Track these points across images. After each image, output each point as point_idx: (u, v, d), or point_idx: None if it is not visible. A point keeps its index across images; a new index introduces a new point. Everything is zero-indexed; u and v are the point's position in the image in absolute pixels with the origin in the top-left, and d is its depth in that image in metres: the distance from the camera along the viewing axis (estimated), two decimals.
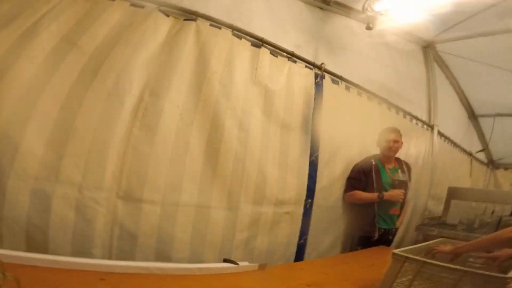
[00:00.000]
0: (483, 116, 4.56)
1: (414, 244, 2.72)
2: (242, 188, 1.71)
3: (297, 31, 2.11)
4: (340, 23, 2.41)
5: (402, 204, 2.30)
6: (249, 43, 1.79)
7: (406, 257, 1.16)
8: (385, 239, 2.23)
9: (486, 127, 4.69)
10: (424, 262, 1.14)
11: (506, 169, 5.20)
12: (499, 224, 2.39)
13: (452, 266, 1.13)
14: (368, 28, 2.21)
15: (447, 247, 1.31)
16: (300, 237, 1.98)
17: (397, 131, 2.28)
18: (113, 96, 1.38)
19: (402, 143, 2.28)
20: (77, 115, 1.30)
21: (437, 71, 3.65)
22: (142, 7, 1.48)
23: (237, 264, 1.36)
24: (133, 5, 1.47)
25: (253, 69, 1.78)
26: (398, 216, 2.29)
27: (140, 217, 1.43)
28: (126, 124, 1.40)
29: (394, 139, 2.22)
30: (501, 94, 3.96)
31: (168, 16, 1.55)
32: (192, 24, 1.59)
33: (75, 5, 1.35)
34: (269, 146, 1.84)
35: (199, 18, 1.61)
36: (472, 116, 4.57)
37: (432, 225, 2.74)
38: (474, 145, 4.71)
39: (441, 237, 1.95)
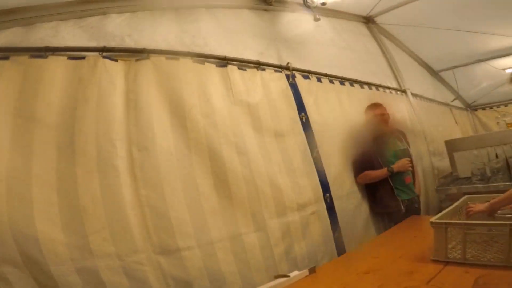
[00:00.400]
0: (442, 70, 4.82)
1: (440, 205, 2.75)
2: (262, 206, 1.68)
3: (254, 39, 2.13)
4: (289, 20, 2.47)
5: (413, 171, 2.29)
6: (214, 65, 1.76)
7: (447, 224, 1.19)
8: (412, 208, 2.21)
9: (449, 79, 4.96)
10: (465, 224, 1.17)
11: (483, 109, 5.45)
12: (508, 166, 2.44)
13: (499, 222, 1.18)
14: (316, 19, 2.30)
15: (482, 205, 1.33)
16: (334, 231, 1.94)
17: (379, 105, 2.32)
18: (102, 165, 1.31)
19: (388, 113, 2.30)
20: (77, 194, 1.25)
21: (387, 41, 3.86)
22: (83, 58, 1.38)
23: (288, 276, 1.33)
24: (71, 58, 1.36)
25: (228, 89, 1.75)
26: (413, 183, 2.28)
27: (185, 264, 1.40)
28: (130, 188, 1.35)
29: (380, 112, 2.25)
30: (449, 49, 4.23)
31: (116, 61, 1.45)
32: (147, 63, 1.51)
33: (6, 72, 1.23)
34: (272, 158, 1.82)
35: (151, 54, 1.52)
36: (433, 72, 4.82)
37: (448, 183, 2.75)
38: (447, 97, 4.93)
39: (463, 194, 1.92)
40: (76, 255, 1.20)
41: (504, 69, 4.54)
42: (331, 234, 1.93)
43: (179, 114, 1.54)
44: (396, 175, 2.15)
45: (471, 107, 5.57)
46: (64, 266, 1.17)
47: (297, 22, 2.49)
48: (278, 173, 1.81)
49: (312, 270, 1.37)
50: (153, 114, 1.47)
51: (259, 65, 1.97)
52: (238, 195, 1.62)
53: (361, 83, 2.83)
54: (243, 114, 1.78)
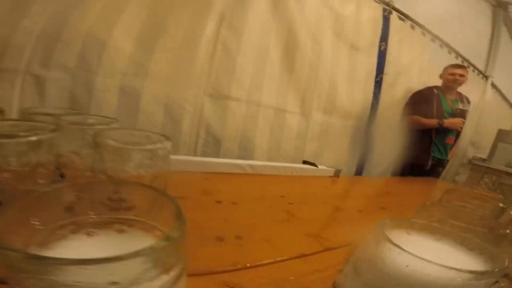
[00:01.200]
0: None
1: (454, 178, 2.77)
2: (315, 95, 1.69)
3: None
4: None
5: (457, 135, 2.22)
6: None
7: (487, 168, 1.14)
8: (436, 170, 2.18)
9: None
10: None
11: None
12: None
13: None
14: None
15: None
16: (362, 155, 1.99)
17: (464, 67, 2.18)
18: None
19: (466, 78, 2.17)
20: (167, 16, 1.22)
21: (503, 30, 3.42)
22: None
23: (317, 166, 1.32)
24: None
25: None
26: (451, 147, 2.22)
27: (226, 116, 1.39)
28: (215, 24, 1.35)
29: (461, 73, 2.13)
30: None
31: None
32: None
33: None
34: (339, 61, 1.81)
35: None
36: None
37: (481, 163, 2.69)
38: None
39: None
40: (131, 70, 1.15)
41: None
42: (357, 156, 1.99)
43: None
44: (441, 132, 2.09)
45: None
46: (112, 79, 1.12)
47: None
48: (341, 75, 1.80)
49: (337, 173, 1.33)
50: None
51: None
52: (298, 74, 1.62)
53: (452, 50, 2.61)
54: (329, 17, 1.76)
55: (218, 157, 1.40)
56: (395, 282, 0.22)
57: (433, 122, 2.08)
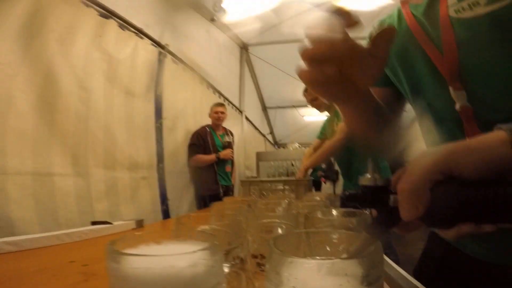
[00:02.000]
0: (269, 108, 5.98)
1: None
2: (89, 150, 1.48)
3: (147, 12, 2.07)
4: (187, 14, 2.58)
5: (232, 163, 2.64)
6: (97, 13, 1.60)
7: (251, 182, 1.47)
8: (229, 195, 2.49)
9: (271, 116, 6.19)
10: None
11: (284, 147, 7.03)
12: (287, 171, 3.31)
13: None
14: (212, 20, 2.52)
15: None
16: (162, 203, 1.94)
17: (223, 105, 2.63)
18: None
19: (226, 114, 2.63)
20: None
21: (246, 69, 4.45)
22: None
23: (110, 223, 1.12)
24: None
25: (97, 36, 1.60)
26: (231, 173, 2.62)
27: None
28: None
29: (221, 110, 2.55)
30: (281, 91, 5.34)
31: None
32: None
33: None
34: (114, 109, 1.68)
35: None
36: (264, 108, 5.90)
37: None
38: (266, 130, 6.10)
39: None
40: None
41: (303, 116, 6.10)
42: (160, 205, 1.92)
43: (30, 30, 1.26)
44: (220, 163, 2.42)
45: (278, 144, 7.10)
46: None
47: (192, 19, 2.65)
48: (117, 124, 1.67)
49: (140, 224, 1.20)
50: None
51: (139, 32, 1.92)
52: (63, 128, 1.36)
53: (215, 90, 3.12)
54: (102, 61, 1.63)
55: None
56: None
57: (212, 157, 2.39)
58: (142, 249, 0.26)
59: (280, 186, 1.98)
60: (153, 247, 0.27)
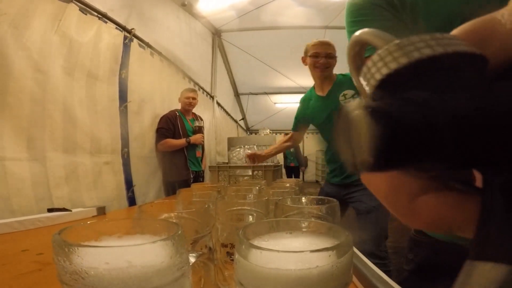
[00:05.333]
0: (242, 94, 5.93)
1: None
2: (46, 133, 1.38)
3: None
4: None
5: (203, 148, 2.59)
6: None
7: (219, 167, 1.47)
8: (198, 181, 2.45)
9: (244, 102, 6.15)
10: None
11: (256, 133, 7.06)
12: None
13: None
14: (183, 4, 2.39)
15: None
16: (128, 189, 1.85)
17: (195, 91, 2.55)
18: None
19: (197, 100, 2.56)
20: None
21: (219, 55, 4.36)
22: None
23: (69, 210, 1.06)
24: None
25: (56, 20, 1.49)
26: (201, 159, 2.57)
27: None
28: None
29: (193, 96, 2.48)
30: (253, 78, 5.30)
31: None
32: None
33: None
34: (74, 92, 1.58)
35: None
36: (236, 93, 5.84)
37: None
38: (238, 116, 6.06)
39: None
40: None
41: (275, 103, 6.15)
42: (125, 191, 1.83)
43: None
44: (190, 148, 2.36)
45: (250, 130, 7.10)
46: None
47: (160, 3, 2.52)
48: (78, 107, 1.57)
49: (101, 211, 1.14)
50: None
51: (102, 16, 1.79)
52: (16, 111, 1.26)
53: (185, 75, 3.01)
54: (60, 45, 1.52)
55: None
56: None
57: (183, 141, 2.32)
58: (101, 240, 0.24)
59: (249, 172, 1.98)
60: (112, 238, 0.25)
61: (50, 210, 1.12)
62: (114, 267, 0.19)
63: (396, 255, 1.93)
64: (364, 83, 0.17)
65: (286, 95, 5.82)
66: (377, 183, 0.19)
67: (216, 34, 4.06)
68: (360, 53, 0.21)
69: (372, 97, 0.16)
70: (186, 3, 2.52)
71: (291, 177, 5.62)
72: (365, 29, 0.19)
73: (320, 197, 0.39)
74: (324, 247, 0.19)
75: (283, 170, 6.02)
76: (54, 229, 0.90)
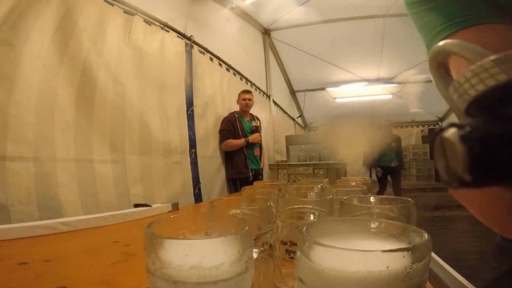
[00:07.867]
0: (298, 91, 5.85)
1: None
2: (125, 138, 1.54)
3: (169, 6, 2.10)
4: (206, 5, 2.61)
5: (260, 146, 2.66)
6: (122, 11, 1.63)
7: (278, 165, 1.46)
8: (258, 179, 2.52)
9: (300, 99, 6.07)
10: None
11: (315, 130, 6.91)
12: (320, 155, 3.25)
13: None
14: (232, 8, 2.53)
15: None
16: (194, 187, 1.97)
17: (250, 92, 2.63)
18: None
19: (253, 101, 2.65)
20: None
21: (271, 54, 4.40)
22: None
23: (150, 206, 1.21)
24: None
25: (126, 32, 1.64)
26: (260, 157, 2.64)
27: (7, 180, 1.07)
28: None
29: (249, 97, 2.57)
30: (308, 74, 5.20)
31: None
32: None
33: None
34: (148, 100, 1.74)
35: None
36: (292, 91, 5.79)
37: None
38: (295, 113, 6.01)
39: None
40: None
41: (334, 98, 5.92)
42: (192, 189, 1.95)
43: (64, 32, 1.32)
44: (249, 147, 2.46)
45: (308, 127, 6.98)
46: None
47: (212, 10, 2.67)
48: (151, 114, 1.73)
49: (175, 206, 1.26)
50: (36, 23, 1.21)
51: (164, 26, 1.94)
52: (101, 118, 1.43)
53: (241, 76, 3.11)
54: (133, 56, 1.68)
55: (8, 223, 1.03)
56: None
57: (242, 141, 2.43)
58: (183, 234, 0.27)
59: (310, 171, 1.95)
60: (188, 232, 0.28)
61: (136, 206, 1.28)
62: (191, 259, 0.21)
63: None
64: (455, 96, 0.18)
65: (345, 89, 5.53)
66: (470, 197, 0.20)
67: (266, 33, 4.09)
68: (444, 62, 0.21)
69: (466, 112, 0.17)
70: (234, 6, 2.61)
71: (385, 181, 4.22)
72: (449, 40, 0.20)
73: (392, 196, 0.36)
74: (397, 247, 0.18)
75: (371, 173, 4.45)
76: (138, 222, 0.98)
